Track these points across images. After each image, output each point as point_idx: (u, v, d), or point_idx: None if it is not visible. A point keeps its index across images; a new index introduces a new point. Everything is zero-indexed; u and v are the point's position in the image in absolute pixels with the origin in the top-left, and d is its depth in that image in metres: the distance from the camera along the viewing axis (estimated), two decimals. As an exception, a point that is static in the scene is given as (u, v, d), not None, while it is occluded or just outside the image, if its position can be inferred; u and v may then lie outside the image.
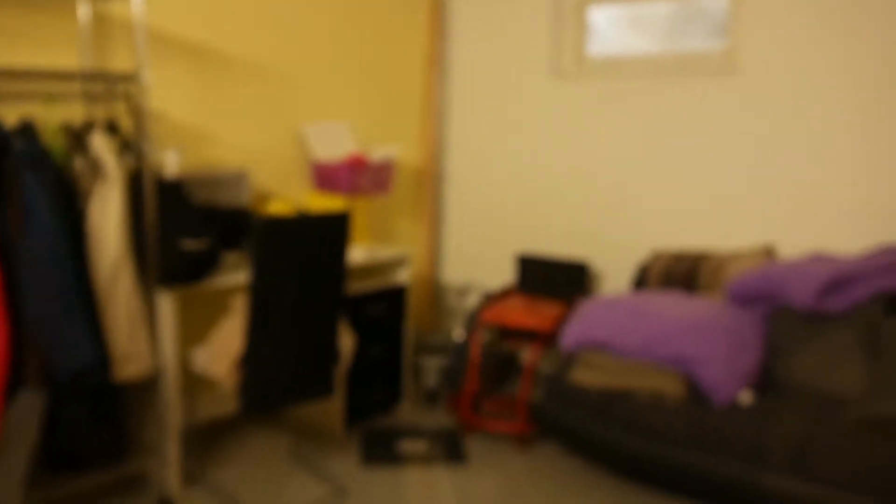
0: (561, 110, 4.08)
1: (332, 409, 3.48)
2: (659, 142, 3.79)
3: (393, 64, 4.25)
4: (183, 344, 3.42)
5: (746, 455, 2.69)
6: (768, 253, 3.43)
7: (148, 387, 2.97)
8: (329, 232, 2.80)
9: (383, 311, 3.63)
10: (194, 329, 3.46)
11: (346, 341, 3.03)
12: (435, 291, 4.58)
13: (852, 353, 2.89)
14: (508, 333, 3.77)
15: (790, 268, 3.04)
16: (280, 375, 2.79)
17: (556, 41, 4.09)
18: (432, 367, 3.93)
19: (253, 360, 2.71)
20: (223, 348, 2.79)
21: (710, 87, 3.62)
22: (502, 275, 4.35)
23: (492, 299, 3.83)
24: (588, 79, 3.99)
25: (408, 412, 3.80)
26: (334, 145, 3.87)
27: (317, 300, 2.83)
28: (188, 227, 2.82)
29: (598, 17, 4.09)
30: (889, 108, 3.19)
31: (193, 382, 3.49)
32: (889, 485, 2.42)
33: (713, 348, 2.86)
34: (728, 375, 2.83)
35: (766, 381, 2.98)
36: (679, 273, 3.53)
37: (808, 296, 2.92)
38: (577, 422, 3.07)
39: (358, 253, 3.55)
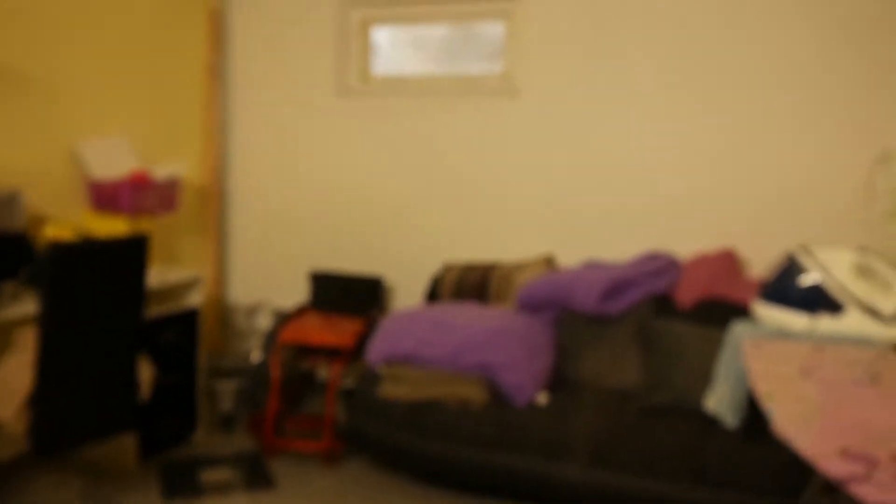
0: (347, 127, 4.14)
1: (123, 443, 3.26)
2: (443, 158, 3.96)
3: (172, 77, 4.07)
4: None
5: (548, 451, 2.89)
6: (549, 262, 3.71)
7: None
8: (125, 257, 2.64)
9: (175, 336, 3.47)
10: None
11: (146, 371, 2.87)
12: (222, 313, 4.43)
13: (630, 352, 3.22)
14: (305, 351, 3.74)
15: (572, 276, 3.32)
16: (76, 413, 2.58)
17: (340, 59, 4.14)
18: (226, 391, 3.81)
19: (45, 399, 2.49)
20: (7, 388, 2.53)
21: (489, 107, 3.86)
22: (292, 293, 4.31)
23: (287, 318, 3.79)
24: (373, 97, 4.08)
25: (204, 440, 3.65)
26: (113, 162, 3.63)
27: (114, 330, 2.65)
28: (-41, 256, 2.53)
29: (381, 37, 4.20)
30: (650, 128, 3.60)
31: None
32: (673, 464, 2.72)
33: (512, 354, 3.05)
34: (527, 378, 3.04)
35: (558, 380, 3.23)
36: (470, 284, 3.72)
37: (590, 301, 3.21)
38: (387, 435, 3.13)
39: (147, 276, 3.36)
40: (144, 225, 3.58)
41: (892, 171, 3.12)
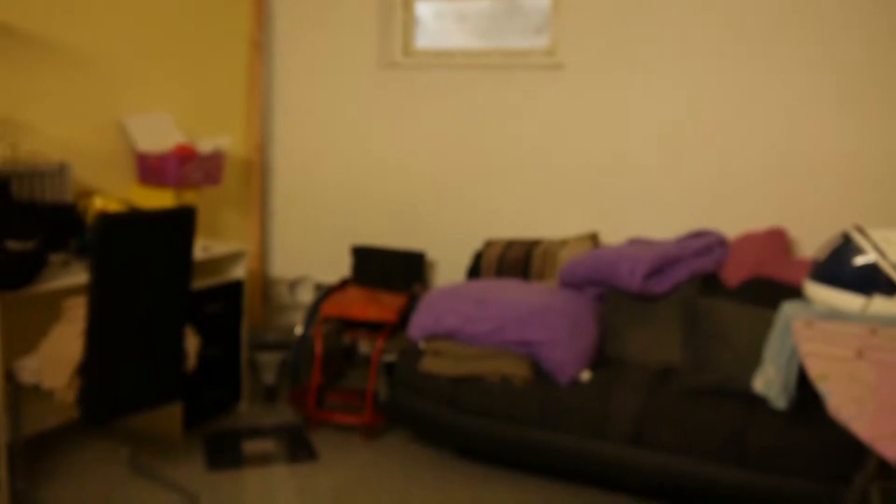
0: (390, 101, 4.12)
1: (169, 413, 3.32)
2: (486, 133, 3.93)
3: (217, 52, 4.08)
4: (6, 354, 3.10)
5: (591, 428, 2.88)
6: (593, 239, 3.67)
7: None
8: (173, 229, 2.67)
9: (220, 308, 3.51)
10: (19, 337, 3.13)
11: (192, 342, 2.90)
12: (265, 286, 4.47)
13: (674, 330, 3.17)
14: (347, 325, 3.76)
15: (617, 253, 3.28)
16: (125, 382, 2.62)
17: (384, 32, 4.11)
18: (269, 363, 3.85)
19: (94, 368, 2.53)
20: (58, 356, 2.58)
21: (533, 81, 3.81)
22: (333, 267, 4.33)
23: (330, 292, 3.81)
24: (416, 70, 4.06)
25: (248, 411, 3.69)
26: (159, 137, 3.66)
27: (161, 301, 2.68)
28: (12, 226, 2.57)
29: (425, 11, 4.17)
30: (698, 105, 3.52)
31: (18, 395, 3.18)
32: (716, 445, 2.69)
33: (556, 331, 3.03)
34: (570, 356, 3.01)
35: (601, 358, 3.20)
36: (512, 260, 3.70)
37: (635, 279, 3.17)
38: (428, 410, 3.14)
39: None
40: (189, 198, 3.61)
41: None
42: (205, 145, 3.68)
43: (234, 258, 3.60)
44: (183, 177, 3.51)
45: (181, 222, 2.68)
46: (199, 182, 3.61)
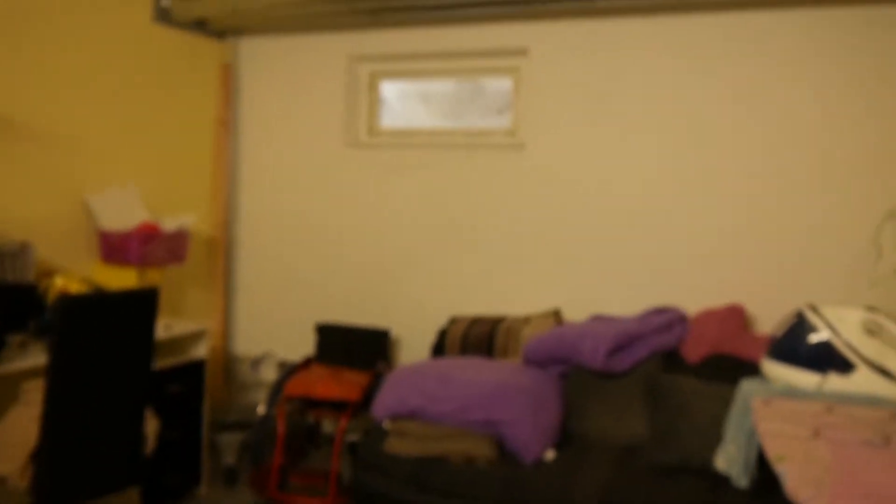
0: (355, 179, 4.17)
1: (126, 499, 3.23)
2: (450, 211, 3.98)
3: (183, 129, 4.12)
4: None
5: (556, 509, 2.85)
6: (556, 316, 3.70)
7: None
8: (135, 310, 2.65)
9: (180, 388, 3.46)
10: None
11: (151, 424, 2.86)
12: (227, 364, 4.42)
13: (637, 408, 3.19)
14: (311, 405, 3.72)
15: (580, 330, 3.31)
16: (81, 468, 2.56)
17: (350, 112, 4.19)
18: (230, 444, 3.78)
19: (50, 453, 2.47)
20: (12, 441, 2.52)
21: (496, 159, 3.89)
22: (298, 345, 4.30)
23: (293, 371, 3.78)
24: (381, 149, 4.13)
25: (207, 495, 3.61)
26: (123, 214, 3.66)
27: (122, 384, 2.65)
28: (-31, 308, 2.54)
29: (390, 92, 4.26)
30: (658, 183, 3.62)
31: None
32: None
33: (519, 410, 3.03)
34: (534, 434, 3.01)
35: (565, 436, 3.20)
36: (477, 337, 3.71)
37: (597, 357, 3.19)
38: (392, 491, 3.09)
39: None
40: (153, 276, 3.60)
41: (899, 229, 3.13)
42: (169, 223, 3.69)
43: (195, 337, 3.58)
44: (146, 255, 3.50)
45: (143, 304, 2.66)
46: (162, 260, 3.61)
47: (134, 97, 3.82)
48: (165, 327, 3.42)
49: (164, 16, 3.90)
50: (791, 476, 1.88)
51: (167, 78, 3.99)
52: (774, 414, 2.30)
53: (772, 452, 1.99)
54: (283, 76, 4.29)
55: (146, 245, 3.49)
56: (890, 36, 3.22)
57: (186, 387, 3.50)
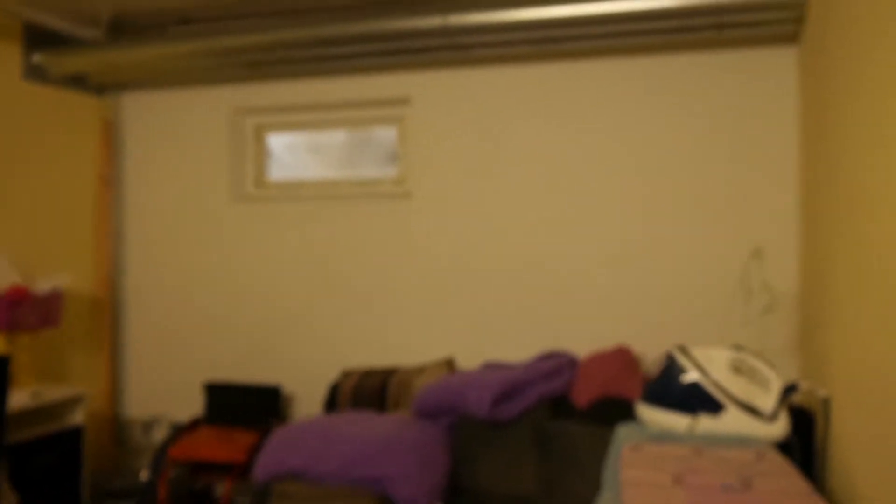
0: (243, 233, 4.08)
1: (-9, 581, 3.03)
2: (340, 262, 3.92)
3: (61, 187, 3.98)
4: None
5: (440, 568, 2.77)
6: (450, 365, 3.65)
7: None
8: (-16, 381, 2.51)
9: (55, 458, 3.28)
10: None
11: (8, 502, 2.69)
12: (117, 429, 4.23)
13: (526, 456, 3.14)
14: (201, 468, 3.58)
15: (466, 380, 3.26)
16: (-79, 555, 2.39)
17: (236, 165, 4.12)
18: (115, 513, 3.60)
19: None
20: None
21: (384, 209, 3.86)
22: (191, 405, 4.15)
23: (180, 433, 3.63)
24: (269, 202, 4.06)
25: (86, 570, 3.42)
26: (-9, 278, 3.50)
27: (-31, 460, 2.49)
28: None
29: (277, 143, 4.21)
30: (542, 228, 3.63)
31: None
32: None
33: (405, 466, 2.95)
34: (420, 490, 2.93)
35: (454, 489, 3.12)
36: (369, 390, 3.63)
37: (482, 406, 3.14)
38: (275, 556, 2.97)
39: (20, 397, 3.19)
40: (24, 341, 3.43)
41: (764, 266, 3.18)
42: (42, 285, 3.54)
43: (71, 403, 3.41)
44: (15, 320, 3.34)
45: (-8, 374, 2.52)
46: (34, 324, 3.45)
47: (6, 157, 3.68)
48: (34, 395, 3.25)
49: (35, 73, 3.78)
50: (641, 528, 1.84)
51: (42, 136, 3.87)
52: (641, 460, 2.27)
53: (628, 502, 1.96)
54: (167, 130, 4.20)
55: (15, 309, 3.33)
56: (751, 79, 3.31)
57: (62, 456, 3.33)
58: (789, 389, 2.55)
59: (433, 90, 3.76)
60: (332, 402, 3.68)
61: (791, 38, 3.27)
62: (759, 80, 3.31)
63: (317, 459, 3.01)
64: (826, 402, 2.58)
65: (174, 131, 4.18)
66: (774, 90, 3.30)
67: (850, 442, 2.29)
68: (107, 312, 4.18)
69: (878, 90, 2.01)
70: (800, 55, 3.23)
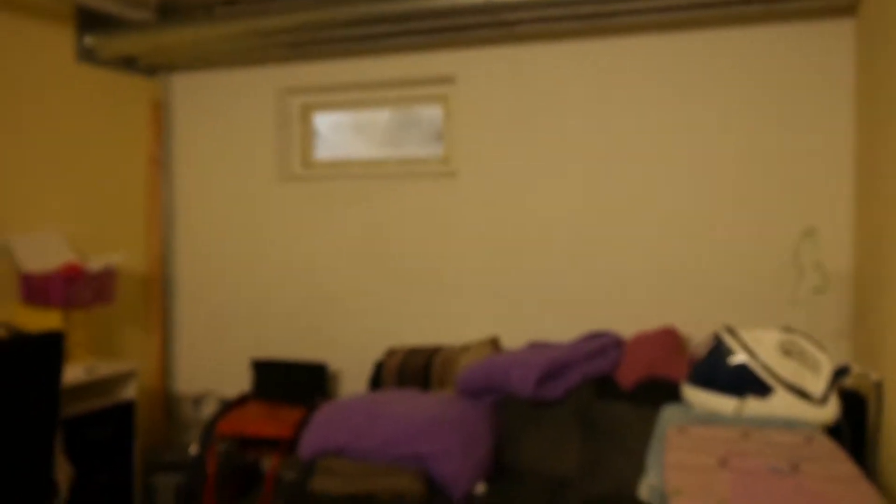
0: (290, 213, 4.12)
1: (49, 548, 3.13)
2: (386, 241, 3.94)
3: (114, 168, 4.06)
4: None
5: (484, 545, 2.78)
6: (494, 344, 3.65)
7: None
8: (39, 353, 2.58)
9: (108, 432, 3.37)
10: None
11: (63, 472, 2.77)
12: (168, 404, 4.33)
13: (570, 436, 3.13)
14: (249, 443, 3.64)
15: (510, 359, 3.25)
16: (-18, 522, 2.48)
17: (282, 145, 4.15)
18: (167, 485, 3.69)
19: (-53, 509, 2.39)
20: None
21: (430, 188, 3.85)
22: (238, 381, 4.22)
23: (228, 408, 3.70)
24: (315, 181, 4.08)
25: (140, 540, 3.52)
26: (47, 256, 3.58)
27: (26, 430, 2.57)
28: None
29: (323, 123, 4.23)
30: (592, 207, 3.59)
31: None
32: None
33: (448, 444, 2.96)
34: (464, 468, 2.94)
35: (498, 468, 3.13)
36: (413, 368, 3.65)
37: (527, 385, 3.13)
38: (320, 531, 3.02)
39: (75, 372, 3.28)
40: (79, 317, 3.52)
41: (817, 246, 3.10)
42: (95, 263, 3.62)
43: (124, 378, 3.50)
44: (70, 297, 3.42)
45: (47, 348, 2.59)
46: (88, 301, 3.53)
47: (61, 138, 3.76)
48: (88, 370, 3.33)
49: (87, 55, 3.85)
50: (682, 511, 1.82)
51: (95, 117, 3.94)
52: (687, 442, 2.24)
53: (670, 486, 1.94)
54: (215, 111, 4.24)
55: (70, 286, 3.41)
56: (807, 54, 3.22)
57: (116, 429, 3.42)
58: (840, 372, 2.49)
59: (478, 68, 3.73)
60: (377, 380, 3.71)
61: (848, 10, 3.16)
62: (815, 54, 3.22)
63: (361, 436, 3.04)
64: (878, 386, 2.52)
65: (222, 111, 4.22)
66: (830, 65, 3.19)
67: (903, 427, 2.23)
68: (158, 290, 4.26)
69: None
70: (857, 28, 3.13)
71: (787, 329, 2.58)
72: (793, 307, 3.17)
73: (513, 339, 3.74)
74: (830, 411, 2.43)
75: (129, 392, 3.50)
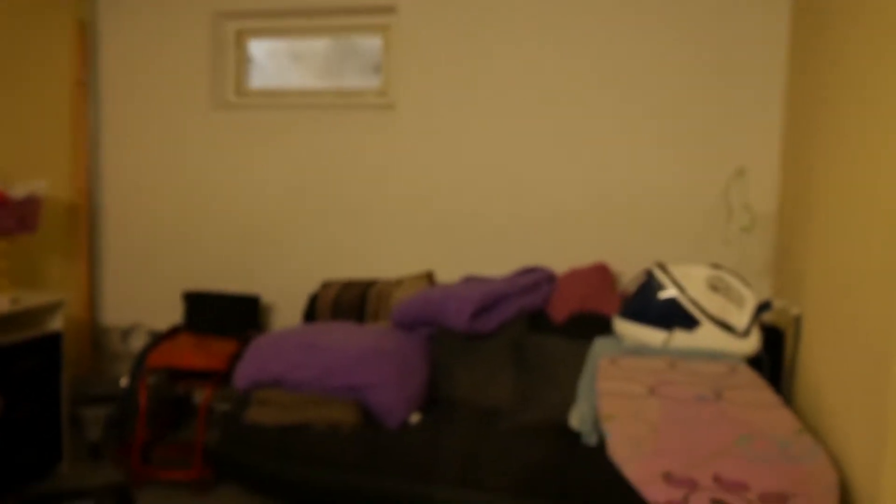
0: (223, 142, 4.03)
1: (-26, 480, 3.08)
2: (322, 173, 3.89)
3: (36, 91, 3.88)
4: None
5: (419, 472, 2.84)
6: (429, 278, 3.68)
7: None
8: (-38, 283, 2.49)
9: (35, 363, 3.30)
10: None
11: (-11, 404, 2.71)
12: (95, 335, 4.25)
13: (503, 368, 3.20)
14: (181, 375, 3.61)
15: (445, 292, 3.29)
16: None
17: (216, 71, 4.03)
18: (95, 418, 3.64)
19: None
20: None
21: (367, 120, 3.81)
22: (170, 314, 4.16)
23: (159, 340, 3.65)
24: (249, 110, 3.99)
25: (70, 471, 3.47)
26: (-34, 181, 3.43)
27: (-51, 361, 2.49)
28: None
29: (258, 50, 4.11)
30: (528, 144, 3.61)
31: None
32: (539, 482, 2.71)
33: (383, 375, 2.99)
34: (399, 399, 2.98)
35: (432, 400, 3.19)
36: (348, 301, 3.65)
37: (462, 318, 3.18)
38: (255, 461, 3.03)
39: (0, 302, 3.18)
40: (2, 246, 3.40)
41: (746, 187, 3.20)
42: (18, 190, 3.48)
43: (50, 309, 3.41)
44: (-9, 224, 3.29)
45: (-30, 276, 2.50)
46: (11, 230, 3.40)
47: (-24, 55, 3.57)
48: (13, 301, 3.23)
49: (6, -32, 3.64)
50: (614, 435, 1.90)
51: (16, 37, 3.74)
52: (618, 372, 2.33)
53: (603, 411, 2.01)
54: (145, 34, 4.08)
55: (-9, 213, 3.28)
56: (745, -5, 3.27)
57: (42, 361, 3.34)
58: (763, 307, 2.60)
59: (419, -1, 3.67)
60: (312, 312, 3.71)
61: (785, -45, 3.21)
62: (750, -3, 3.27)
63: (296, 367, 3.04)
64: (798, 320, 2.64)
65: (153, 34, 4.06)
66: (765, 6, 3.25)
67: (818, 357, 2.35)
68: (84, 219, 4.14)
69: (875, 12, 1.99)
70: (792, -27, 3.18)
71: (716, 266, 2.67)
72: (724, 245, 3.28)
73: (448, 274, 3.77)
74: (752, 343, 2.54)
75: (56, 323, 3.41)
